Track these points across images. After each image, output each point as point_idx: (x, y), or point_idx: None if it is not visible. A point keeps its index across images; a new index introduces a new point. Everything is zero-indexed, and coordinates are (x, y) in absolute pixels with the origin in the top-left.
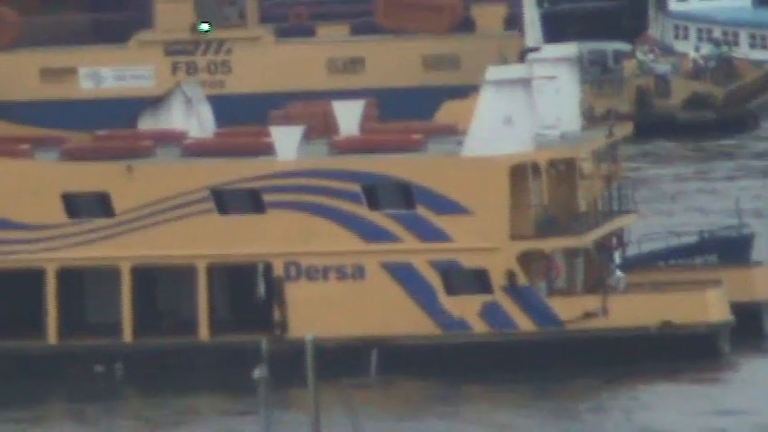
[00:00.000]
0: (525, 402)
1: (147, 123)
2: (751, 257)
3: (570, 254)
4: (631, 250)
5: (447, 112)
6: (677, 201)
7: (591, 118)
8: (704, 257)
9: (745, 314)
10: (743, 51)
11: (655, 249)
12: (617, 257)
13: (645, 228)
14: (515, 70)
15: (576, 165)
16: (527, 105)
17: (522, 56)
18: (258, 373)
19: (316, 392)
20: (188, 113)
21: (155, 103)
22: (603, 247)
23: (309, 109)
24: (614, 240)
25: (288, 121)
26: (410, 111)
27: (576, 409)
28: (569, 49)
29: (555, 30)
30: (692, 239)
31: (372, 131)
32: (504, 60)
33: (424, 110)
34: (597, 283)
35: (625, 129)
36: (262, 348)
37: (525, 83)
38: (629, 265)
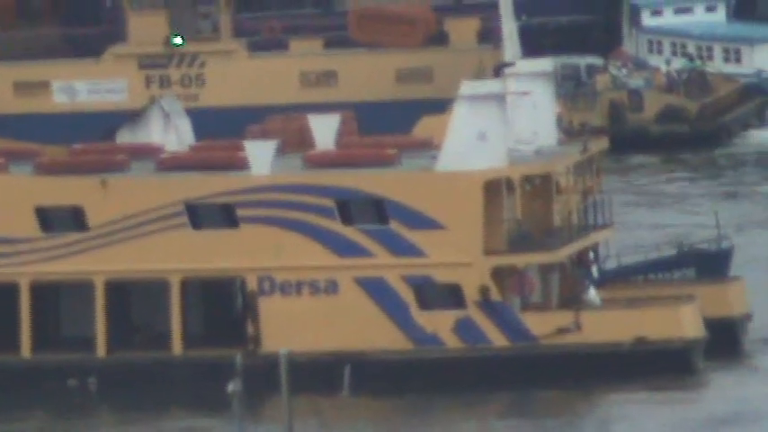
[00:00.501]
0: (498, 418)
1: (125, 138)
2: (730, 271)
3: (545, 269)
4: (610, 264)
5: (425, 127)
6: (653, 214)
7: (570, 132)
8: (682, 271)
9: (721, 329)
10: (717, 65)
11: (633, 263)
12: (594, 272)
13: (623, 242)
14: (489, 85)
15: (552, 180)
16: (501, 121)
17: (496, 70)
18: (232, 387)
19: (290, 407)
20: (166, 128)
21: (131, 116)
22: (581, 262)
23: (286, 123)
24: (591, 255)
25: (265, 135)
26: (383, 124)
27: (548, 425)
28: (545, 63)
29: (531, 44)
30: (671, 253)
31: (346, 146)
32: (482, 73)
33: (398, 123)
34: (572, 299)
35: (601, 143)
36: (236, 363)
37: (499, 98)
38: (607, 279)
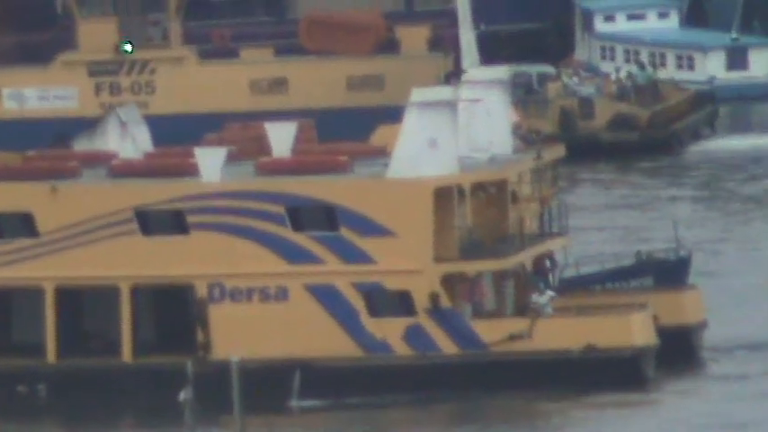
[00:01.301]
0: (448, 425)
1: (83, 145)
2: (688, 280)
3: (499, 276)
4: (568, 273)
5: (382, 135)
6: (609, 223)
7: (528, 140)
8: (640, 280)
9: (676, 337)
10: (670, 72)
11: (591, 273)
12: (551, 280)
13: (581, 251)
14: (440, 92)
15: (507, 187)
16: (452, 128)
17: (447, 78)
18: (184, 395)
19: (241, 414)
20: (123, 135)
21: (90, 125)
22: (538, 269)
23: (244, 132)
24: (547, 263)
25: (222, 143)
26: (334, 132)
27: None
28: (500, 71)
29: (483, 52)
30: (628, 262)
31: (300, 153)
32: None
33: (349, 131)
34: (526, 307)
35: (556, 151)
36: (187, 370)
37: (450, 105)
38: (564, 288)
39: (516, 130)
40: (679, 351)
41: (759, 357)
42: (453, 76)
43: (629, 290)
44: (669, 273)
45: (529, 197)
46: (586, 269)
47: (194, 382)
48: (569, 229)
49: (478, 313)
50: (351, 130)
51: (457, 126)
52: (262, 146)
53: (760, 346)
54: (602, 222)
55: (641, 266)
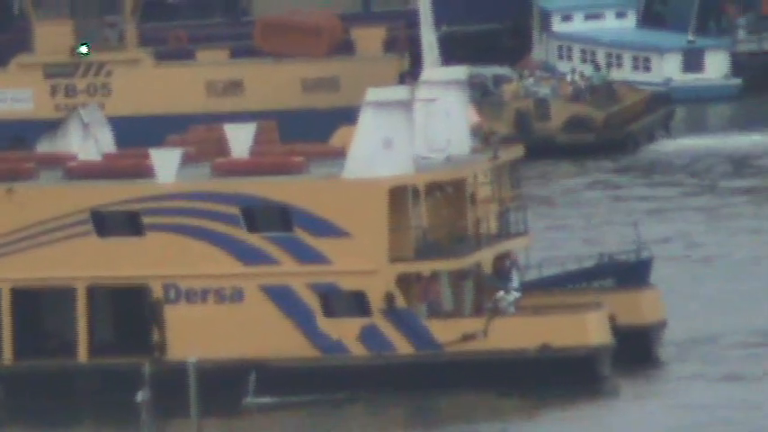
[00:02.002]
0: (403, 425)
1: (45, 147)
2: (649, 281)
3: (457, 276)
4: (530, 275)
5: (342, 136)
6: (569, 224)
7: (489, 141)
8: (601, 282)
9: (634, 337)
10: (626, 74)
11: (552, 274)
12: (514, 280)
13: (543, 252)
14: (395, 93)
15: (465, 187)
16: (407, 128)
17: (401, 78)
18: (141, 396)
19: (198, 415)
20: (85, 137)
21: (46, 127)
22: (498, 269)
23: (208, 133)
24: (508, 263)
25: (184, 145)
26: (290, 133)
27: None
28: (458, 72)
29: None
30: (590, 264)
31: (257, 154)
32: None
33: (305, 132)
34: (485, 307)
35: (515, 151)
36: (144, 371)
37: (405, 105)
38: (525, 289)
39: (477, 130)
40: (637, 351)
41: (716, 357)
42: (408, 76)
43: (585, 290)
44: (630, 274)
45: (488, 197)
46: (548, 271)
47: (149, 382)
48: (530, 229)
49: (436, 313)
50: (306, 132)
51: (412, 126)
52: (223, 147)
53: (717, 347)
54: (562, 223)
55: (602, 268)
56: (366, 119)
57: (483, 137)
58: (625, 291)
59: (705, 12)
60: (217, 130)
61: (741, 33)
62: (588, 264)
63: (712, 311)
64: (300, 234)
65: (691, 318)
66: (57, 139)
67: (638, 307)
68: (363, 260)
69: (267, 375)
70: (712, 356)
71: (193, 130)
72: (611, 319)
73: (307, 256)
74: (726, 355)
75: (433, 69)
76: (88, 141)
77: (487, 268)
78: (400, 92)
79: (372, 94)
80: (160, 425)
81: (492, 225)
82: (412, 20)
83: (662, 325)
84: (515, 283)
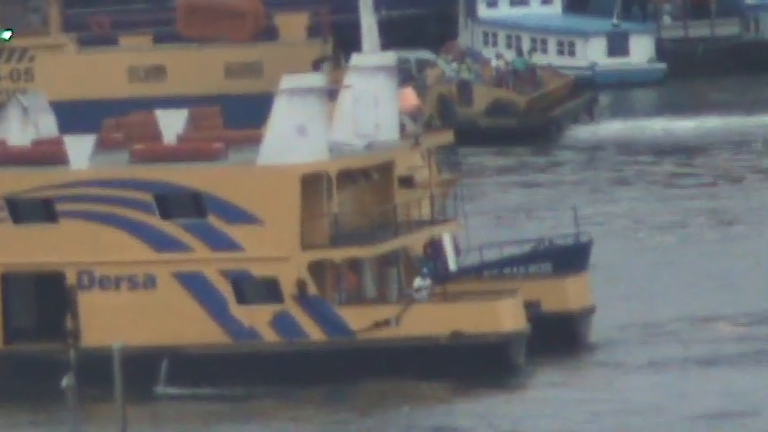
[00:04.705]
0: (315, 412)
1: None
2: (587, 266)
3: (380, 263)
4: (470, 260)
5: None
6: (500, 208)
7: (430, 126)
8: (538, 266)
9: (559, 324)
10: (551, 59)
11: (490, 259)
12: (443, 267)
13: (475, 237)
14: (309, 79)
15: (390, 173)
16: (321, 114)
17: (315, 65)
18: (66, 381)
19: (123, 402)
20: (24, 122)
21: None
22: (426, 255)
23: (146, 117)
24: (431, 249)
25: (120, 128)
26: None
27: (361, 419)
28: (387, 57)
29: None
30: (527, 248)
31: (181, 141)
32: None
33: (227, 118)
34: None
35: (443, 137)
36: (70, 357)
37: (319, 92)
38: (461, 274)
39: (417, 114)
40: (563, 337)
41: (643, 344)
42: (320, 62)
43: (512, 276)
44: (568, 259)
45: (415, 183)
46: (489, 256)
47: (63, 369)
48: (461, 215)
49: (359, 300)
50: (229, 118)
51: (326, 113)
52: (156, 132)
53: (646, 333)
54: (491, 208)
55: (540, 253)
56: (280, 106)
57: (426, 121)
58: (550, 277)
59: None
60: (152, 114)
61: (666, 19)
62: (526, 248)
63: (644, 296)
64: (213, 221)
65: (624, 302)
66: None
67: (564, 293)
68: (275, 247)
69: (180, 362)
70: (640, 342)
71: (133, 114)
72: (536, 305)
73: (219, 242)
74: (654, 342)
75: (361, 55)
76: (27, 127)
77: (419, 254)
78: (315, 79)
79: (287, 81)
80: (83, 411)
81: (419, 211)
82: (336, 5)
83: (589, 311)
84: (441, 268)
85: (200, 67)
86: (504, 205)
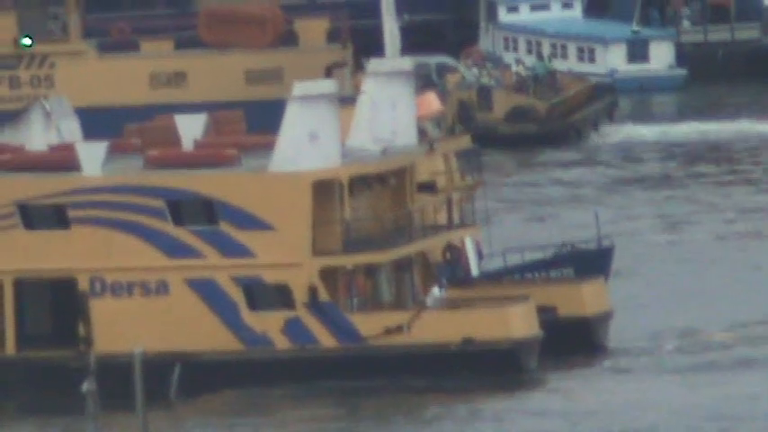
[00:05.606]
0: (327, 418)
1: (6, 137)
2: (609, 271)
3: (396, 269)
4: (494, 264)
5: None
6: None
7: (452, 131)
8: (560, 271)
9: (575, 329)
10: (571, 64)
11: (512, 264)
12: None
13: (499, 242)
14: (321, 86)
15: (406, 178)
16: (333, 121)
17: (328, 71)
18: (87, 386)
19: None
20: (46, 128)
21: (15, 117)
22: (448, 261)
23: (165, 122)
24: (450, 254)
25: (142, 134)
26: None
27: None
28: (404, 62)
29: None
30: (549, 253)
31: (200, 147)
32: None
33: (248, 124)
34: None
35: (461, 142)
36: (90, 362)
37: (331, 98)
38: (484, 280)
39: (441, 119)
40: (577, 343)
41: (660, 351)
42: (333, 67)
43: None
44: (590, 263)
45: (437, 188)
46: (511, 260)
47: (78, 376)
48: (483, 219)
49: (374, 306)
50: (250, 124)
51: (338, 119)
52: (176, 138)
53: (665, 340)
54: (516, 213)
55: (562, 257)
56: (292, 112)
57: (449, 127)
58: (567, 282)
59: (649, 2)
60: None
61: (686, 24)
62: (547, 253)
63: (665, 303)
64: (225, 227)
65: (643, 308)
66: (18, 130)
67: (580, 298)
68: (287, 253)
69: (191, 368)
70: (656, 349)
71: (158, 118)
72: (552, 310)
73: (231, 249)
74: (666, 349)
75: (388, 59)
76: (50, 132)
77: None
78: (327, 85)
79: (298, 87)
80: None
81: (438, 216)
82: (355, 11)
83: (606, 317)
84: (460, 274)
85: (221, 73)
86: (527, 210)
